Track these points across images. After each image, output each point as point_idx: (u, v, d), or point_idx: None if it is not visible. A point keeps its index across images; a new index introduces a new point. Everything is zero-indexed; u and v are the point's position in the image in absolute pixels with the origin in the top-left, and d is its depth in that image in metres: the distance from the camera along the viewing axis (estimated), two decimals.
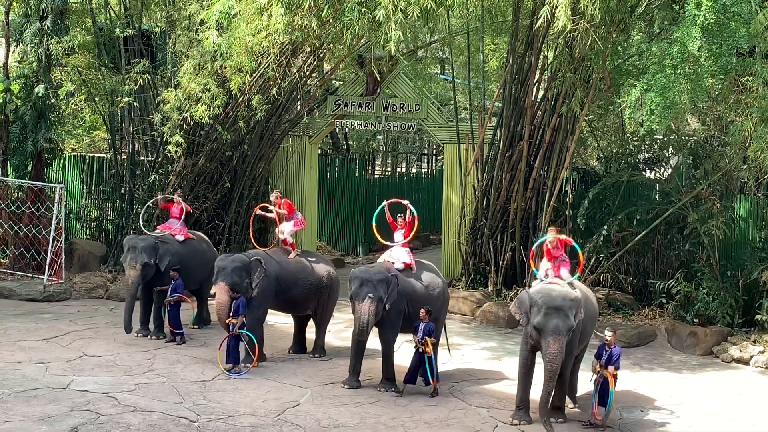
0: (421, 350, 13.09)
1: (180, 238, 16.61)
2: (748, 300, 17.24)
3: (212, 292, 15.08)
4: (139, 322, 16.01)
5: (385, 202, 14.50)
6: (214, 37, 16.68)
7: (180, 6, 20.84)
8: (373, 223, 14.89)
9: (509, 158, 19.40)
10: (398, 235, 14.16)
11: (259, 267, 14.40)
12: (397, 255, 14.07)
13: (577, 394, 13.05)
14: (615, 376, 11.99)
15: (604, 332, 12.18)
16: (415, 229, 14.21)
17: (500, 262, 19.59)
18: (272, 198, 15.60)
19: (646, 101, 14.36)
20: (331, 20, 15.48)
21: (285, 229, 15.31)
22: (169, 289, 15.64)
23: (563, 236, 13.16)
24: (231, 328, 13.90)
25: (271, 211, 15.43)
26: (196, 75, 18.39)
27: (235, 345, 13.91)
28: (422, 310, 13.17)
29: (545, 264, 12.78)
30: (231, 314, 13.96)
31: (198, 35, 18.41)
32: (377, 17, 14.12)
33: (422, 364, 13.11)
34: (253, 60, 16.96)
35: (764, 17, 13.97)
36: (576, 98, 17.54)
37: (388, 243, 14.20)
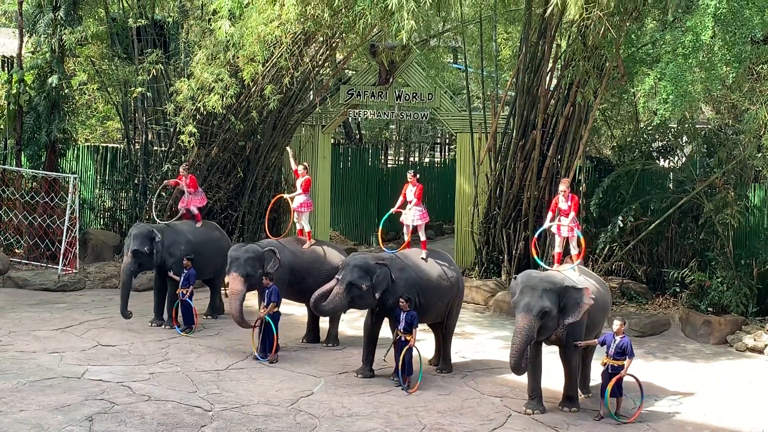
0: (404, 339, 12.88)
1: (199, 224, 16.71)
2: (763, 289, 17.19)
3: (226, 281, 15.11)
4: (153, 312, 16.10)
5: (392, 210, 14.66)
6: (226, 27, 16.72)
7: None
8: (380, 227, 14.96)
9: (522, 147, 19.35)
10: (410, 194, 14.26)
11: (273, 257, 14.44)
12: (411, 216, 14.25)
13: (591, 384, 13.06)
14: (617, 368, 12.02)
15: (614, 322, 12.17)
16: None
17: (513, 252, 19.55)
18: (300, 169, 15.67)
19: (660, 90, 14.31)
20: (343, 10, 15.50)
21: (296, 203, 15.45)
22: (182, 279, 15.67)
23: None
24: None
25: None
26: (209, 65, 18.42)
27: (268, 332, 13.95)
28: (401, 300, 12.96)
29: (549, 215, 13.37)
30: (264, 303, 14.04)
31: (210, 25, 18.44)
32: (389, 6, 14.11)
33: (405, 354, 12.87)
34: (266, 50, 16.98)
35: None
36: (589, 87, 17.49)
37: (386, 249, 14.33)
